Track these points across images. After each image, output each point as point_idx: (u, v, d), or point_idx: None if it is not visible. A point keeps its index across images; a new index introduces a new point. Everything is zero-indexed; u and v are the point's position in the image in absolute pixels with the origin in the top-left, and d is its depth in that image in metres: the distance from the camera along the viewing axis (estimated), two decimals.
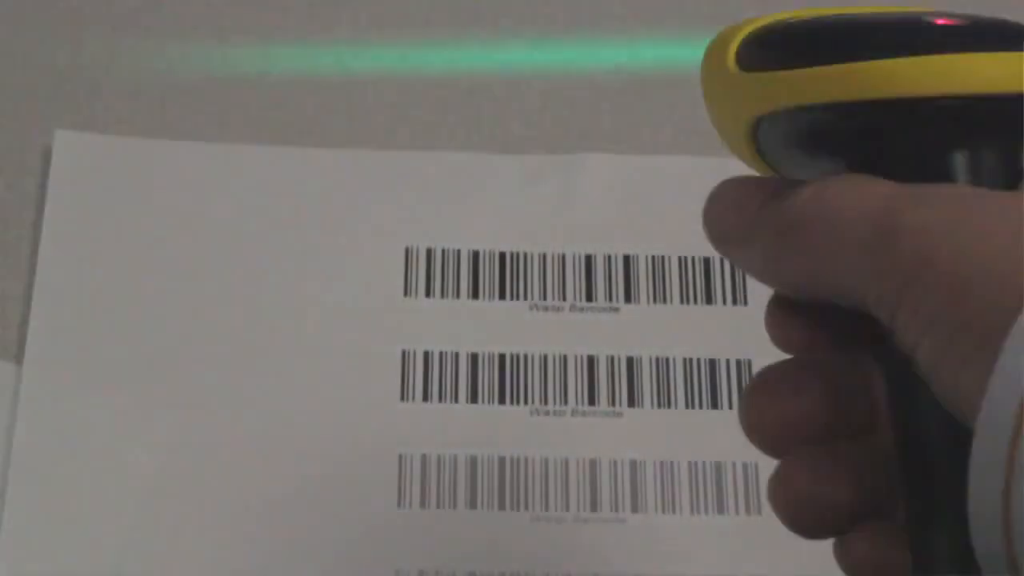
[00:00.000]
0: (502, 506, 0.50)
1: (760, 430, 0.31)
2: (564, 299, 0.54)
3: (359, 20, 0.61)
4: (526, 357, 0.53)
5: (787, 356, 0.32)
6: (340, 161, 0.57)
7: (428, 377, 0.52)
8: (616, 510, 0.50)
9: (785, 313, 0.31)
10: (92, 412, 0.51)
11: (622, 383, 0.53)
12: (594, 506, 0.51)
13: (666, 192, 0.57)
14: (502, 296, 0.54)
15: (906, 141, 0.29)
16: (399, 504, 0.50)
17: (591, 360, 0.53)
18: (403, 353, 0.53)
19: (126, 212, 0.55)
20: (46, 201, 0.54)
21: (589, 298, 0.54)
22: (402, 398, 0.52)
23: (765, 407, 0.31)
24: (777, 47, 0.30)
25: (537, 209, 0.56)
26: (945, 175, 0.29)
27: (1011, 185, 0.29)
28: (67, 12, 0.60)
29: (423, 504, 0.50)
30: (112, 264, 0.54)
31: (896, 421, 0.29)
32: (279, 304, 0.53)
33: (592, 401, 0.52)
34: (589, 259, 0.55)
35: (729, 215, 0.31)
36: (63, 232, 0.54)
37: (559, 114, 0.59)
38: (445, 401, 0.52)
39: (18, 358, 0.52)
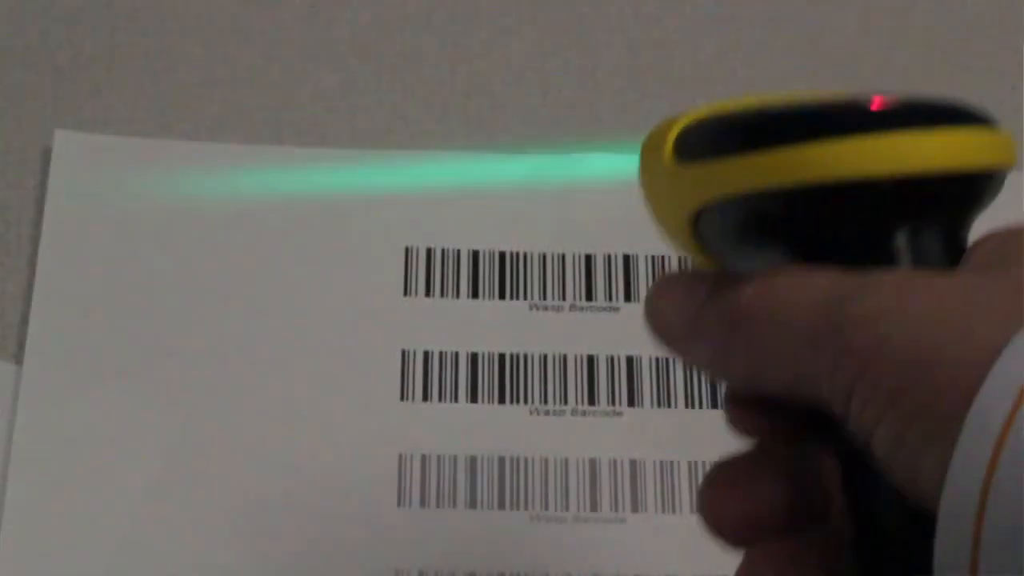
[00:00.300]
0: (502, 506, 0.50)
1: (721, 524, 0.31)
2: (564, 299, 0.54)
3: (359, 19, 0.61)
4: (526, 357, 0.53)
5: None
6: (340, 161, 0.57)
7: (428, 377, 0.52)
8: (616, 510, 0.50)
9: (740, 404, 0.31)
10: (92, 412, 0.51)
11: (622, 383, 0.53)
12: (594, 506, 0.51)
13: None
14: (502, 296, 0.54)
15: (848, 224, 0.28)
16: (399, 504, 0.50)
17: (591, 360, 0.53)
18: (403, 353, 0.53)
19: (126, 212, 0.55)
20: (46, 201, 0.54)
21: (589, 298, 0.54)
22: (402, 398, 0.52)
23: (724, 501, 0.31)
24: (712, 137, 0.30)
25: (537, 209, 0.56)
26: (889, 256, 0.28)
27: (954, 261, 0.29)
28: (67, 12, 0.60)
29: (423, 504, 0.50)
30: (112, 264, 0.54)
31: (854, 508, 0.29)
32: (279, 304, 0.53)
33: (592, 401, 0.52)
34: (589, 259, 0.55)
35: (672, 312, 0.31)
36: (63, 232, 0.54)
37: (559, 114, 0.59)
38: (445, 401, 0.52)
39: (18, 358, 0.52)
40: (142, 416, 0.51)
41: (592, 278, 0.55)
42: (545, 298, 0.54)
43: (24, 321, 0.52)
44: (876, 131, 0.27)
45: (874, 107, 0.28)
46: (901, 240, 0.28)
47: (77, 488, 0.49)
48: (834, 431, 0.28)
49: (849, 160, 0.27)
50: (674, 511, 0.50)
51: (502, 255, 0.55)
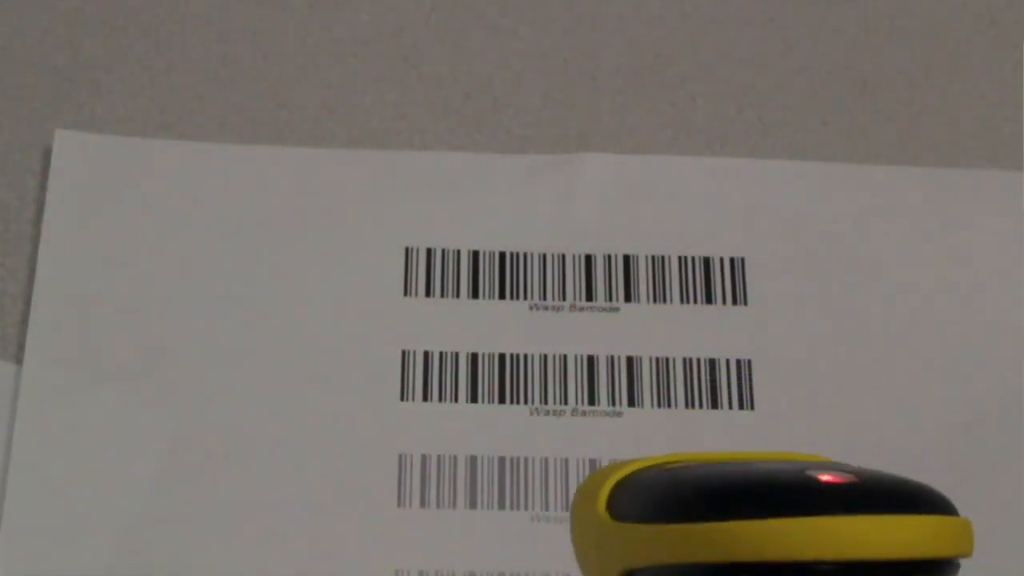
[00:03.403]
0: (502, 506, 0.50)
1: None
2: (564, 299, 0.54)
3: (360, 19, 0.61)
4: (526, 357, 0.53)
5: None
6: (340, 161, 0.57)
7: (428, 377, 0.52)
8: None
9: None
10: (92, 412, 0.51)
11: (622, 383, 0.53)
12: None
13: (666, 192, 0.57)
14: (502, 296, 0.54)
15: None
16: (399, 504, 0.50)
17: (591, 360, 0.53)
18: (403, 353, 0.53)
19: (126, 212, 0.55)
20: (46, 201, 0.54)
21: (589, 298, 0.54)
22: (402, 398, 0.52)
23: None
24: (649, 497, 0.29)
25: (537, 209, 0.56)
26: None
27: None
28: (67, 12, 0.60)
29: (423, 504, 0.50)
30: (112, 264, 0.54)
31: None
32: (279, 304, 0.53)
33: (592, 401, 0.52)
34: (589, 259, 0.55)
35: None
36: (63, 232, 0.54)
37: (559, 114, 0.59)
38: (445, 401, 0.52)
39: (18, 358, 0.52)
40: (142, 416, 0.51)
41: (592, 278, 0.55)
42: (545, 298, 0.54)
43: (24, 321, 0.52)
44: (823, 511, 0.26)
45: (822, 485, 0.27)
46: None
47: (77, 488, 0.49)
48: None
49: (790, 542, 0.26)
50: None
51: (502, 255, 0.55)
